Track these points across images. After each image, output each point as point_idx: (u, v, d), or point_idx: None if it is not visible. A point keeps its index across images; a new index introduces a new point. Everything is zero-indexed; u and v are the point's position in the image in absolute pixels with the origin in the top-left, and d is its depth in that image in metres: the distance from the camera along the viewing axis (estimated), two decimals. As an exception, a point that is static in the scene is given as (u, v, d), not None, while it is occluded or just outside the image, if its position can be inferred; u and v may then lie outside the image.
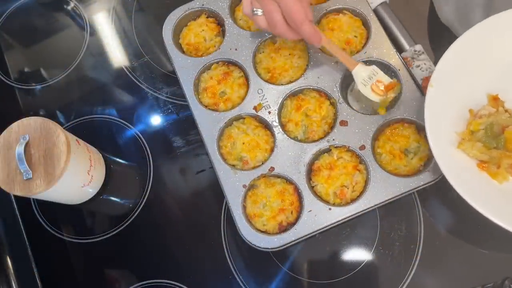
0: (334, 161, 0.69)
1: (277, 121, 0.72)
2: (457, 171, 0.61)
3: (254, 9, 0.65)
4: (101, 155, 0.79)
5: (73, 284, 0.74)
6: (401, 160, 0.68)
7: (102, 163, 0.78)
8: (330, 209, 0.66)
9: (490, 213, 0.57)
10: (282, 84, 0.74)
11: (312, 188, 0.69)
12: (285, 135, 0.71)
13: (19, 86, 0.88)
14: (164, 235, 0.75)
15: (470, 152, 0.64)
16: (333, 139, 0.70)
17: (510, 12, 0.66)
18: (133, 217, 0.77)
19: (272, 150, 0.71)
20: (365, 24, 0.76)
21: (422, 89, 0.71)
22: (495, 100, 0.67)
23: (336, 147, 0.70)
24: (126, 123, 0.83)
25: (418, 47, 0.77)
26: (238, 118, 0.74)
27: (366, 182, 0.67)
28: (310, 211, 0.66)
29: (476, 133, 0.64)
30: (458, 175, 0.60)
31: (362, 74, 0.69)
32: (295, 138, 0.71)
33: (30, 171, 0.63)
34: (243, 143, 0.71)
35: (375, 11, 0.76)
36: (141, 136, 0.82)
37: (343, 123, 0.71)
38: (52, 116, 0.84)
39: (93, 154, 0.74)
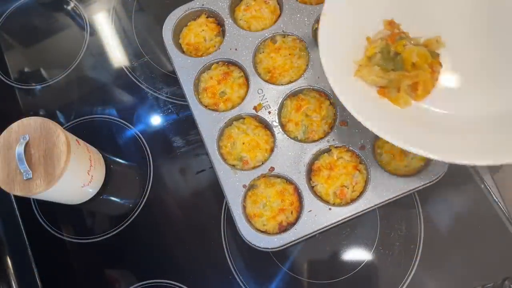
0: (334, 161, 0.69)
1: (277, 121, 0.72)
2: (355, 99, 0.59)
3: None
4: (101, 155, 0.79)
5: (73, 284, 0.74)
6: (401, 160, 0.68)
7: (102, 163, 0.78)
8: (330, 209, 0.66)
9: (396, 139, 0.56)
10: (282, 84, 0.74)
11: (312, 188, 0.69)
12: (285, 135, 0.71)
13: (19, 86, 0.88)
14: (164, 235, 0.75)
15: (368, 78, 0.62)
16: (333, 139, 0.70)
17: None
18: (133, 217, 0.77)
19: (272, 150, 0.71)
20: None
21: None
22: (390, 24, 0.65)
23: (336, 147, 0.70)
24: (126, 123, 0.83)
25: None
26: (238, 118, 0.74)
27: (366, 182, 0.67)
28: (310, 211, 0.66)
29: (373, 58, 0.62)
30: (358, 103, 0.58)
31: None
32: (295, 138, 0.71)
33: (30, 171, 0.63)
34: (243, 143, 0.71)
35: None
36: (141, 136, 0.82)
37: (343, 123, 0.71)
38: (52, 116, 0.84)
39: (93, 154, 0.74)
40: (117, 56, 0.89)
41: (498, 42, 0.64)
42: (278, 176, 0.70)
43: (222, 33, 0.80)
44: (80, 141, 0.72)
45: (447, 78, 0.63)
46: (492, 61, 0.64)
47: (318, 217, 0.66)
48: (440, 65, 0.63)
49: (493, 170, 0.72)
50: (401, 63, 0.61)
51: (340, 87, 0.59)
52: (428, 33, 0.65)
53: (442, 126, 0.60)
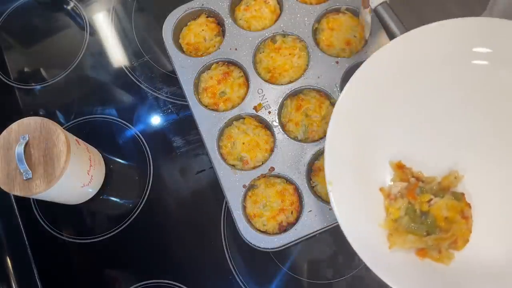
0: (334, 161, 0.69)
1: (277, 121, 0.72)
2: (399, 272, 0.55)
3: None
4: (101, 155, 0.79)
5: (73, 284, 0.74)
6: (401, 160, 0.68)
7: (102, 163, 0.78)
8: (330, 209, 0.66)
9: None
10: (282, 84, 0.74)
11: (312, 188, 0.69)
12: (285, 135, 0.71)
13: (19, 86, 0.88)
14: (164, 235, 0.75)
15: (405, 246, 0.57)
16: (333, 139, 0.70)
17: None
18: (133, 217, 0.76)
19: (272, 150, 0.71)
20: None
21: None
22: (400, 168, 0.61)
23: (336, 147, 0.70)
24: (126, 123, 0.83)
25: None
26: (238, 118, 0.74)
27: (366, 182, 0.67)
28: (310, 211, 0.66)
29: (400, 220, 0.58)
30: (402, 276, 0.54)
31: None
32: (295, 138, 0.71)
33: (30, 171, 0.63)
34: (243, 143, 0.71)
35: (375, 11, 0.76)
36: (141, 136, 0.82)
37: (343, 123, 0.71)
38: (52, 116, 0.84)
39: (93, 154, 0.74)
40: (117, 56, 0.89)
41: None
42: (278, 176, 0.70)
43: (222, 33, 0.80)
44: (80, 141, 0.72)
45: (479, 219, 0.59)
46: None
47: (318, 217, 0.66)
48: (469, 206, 0.59)
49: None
50: (433, 222, 0.58)
51: (382, 268, 0.55)
52: (441, 164, 0.61)
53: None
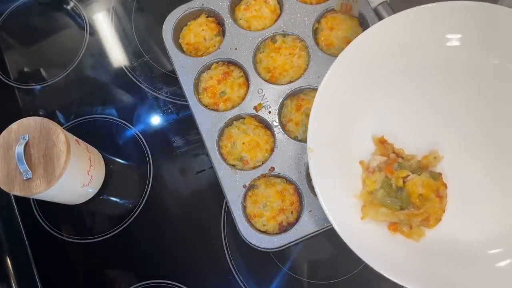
0: (334, 161, 0.69)
1: (277, 121, 0.72)
2: (369, 244, 0.57)
3: None
4: (101, 155, 0.79)
5: (73, 284, 0.74)
6: (401, 160, 0.68)
7: (102, 163, 0.78)
8: (330, 209, 0.66)
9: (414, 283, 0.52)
10: (282, 84, 0.74)
11: (312, 188, 0.69)
12: (285, 135, 0.71)
13: (19, 86, 0.88)
14: (164, 235, 0.75)
15: (377, 219, 0.59)
16: (333, 139, 0.70)
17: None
18: (133, 217, 0.76)
19: (272, 150, 0.71)
20: (365, 24, 0.76)
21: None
22: (382, 143, 0.63)
23: (336, 147, 0.70)
24: (126, 123, 0.83)
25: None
26: (238, 118, 0.74)
27: (367, 182, 0.67)
28: (311, 211, 0.66)
29: (376, 193, 0.59)
30: (372, 248, 0.56)
31: None
32: (295, 138, 0.71)
33: (30, 171, 0.63)
34: (243, 143, 0.71)
35: (375, 11, 0.76)
36: (141, 136, 0.81)
37: (343, 123, 0.71)
38: (52, 116, 0.84)
39: (93, 154, 0.74)
40: (117, 56, 0.89)
41: (499, 144, 0.62)
42: (278, 176, 0.70)
43: (222, 32, 0.80)
44: (80, 141, 0.72)
45: (454, 200, 0.60)
46: (495, 166, 0.61)
47: (319, 217, 0.66)
48: (445, 186, 0.60)
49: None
50: (407, 197, 0.59)
51: (349, 236, 0.56)
52: (422, 143, 0.63)
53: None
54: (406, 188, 0.59)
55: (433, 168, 0.62)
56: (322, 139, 0.60)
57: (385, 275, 0.53)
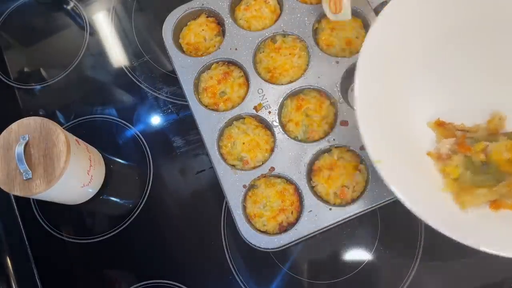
0: (334, 161, 0.69)
1: (277, 121, 0.72)
2: (478, 230, 0.52)
3: None
4: (101, 155, 0.79)
5: (73, 284, 0.74)
6: (401, 160, 0.68)
7: (102, 163, 0.78)
8: (330, 209, 0.66)
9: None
10: (282, 84, 0.74)
11: (312, 188, 0.69)
12: (285, 135, 0.71)
13: (19, 86, 0.88)
14: (164, 235, 0.75)
15: (478, 203, 0.53)
16: (334, 139, 0.70)
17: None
18: (133, 217, 0.76)
19: (272, 150, 0.71)
20: (365, 24, 0.76)
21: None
22: (441, 126, 0.58)
23: (336, 147, 0.70)
24: (126, 123, 0.83)
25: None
26: (238, 118, 0.74)
27: (367, 182, 0.67)
28: (311, 211, 0.66)
29: (462, 177, 0.55)
30: (485, 235, 0.51)
31: None
32: (295, 138, 0.71)
33: (30, 171, 0.63)
34: (243, 143, 0.71)
35: (375, 11, 0.76)
36: (141, 136, 0.81)
37: (344, 123, 0.71)
38: (52, 116, 0.84)
39: (93, 154, 0.74)
40: (117, 56, 0.89)
41: None
42: (278, 176, 0.70)
43: (222, 32, 0.80)
44: (80, 141, 0.72)
45: None
46: None
47: (319, 217, 0.66)
48: None
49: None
50: (497, 168, 0.53)
51: (459, 230, 0.50)
52: (478, 109, 0.57)
53: None
54: (491, 159, 0.54)
55: (503, 129, 0.57)
56: (381, 147, 0.54)
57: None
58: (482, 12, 0.58)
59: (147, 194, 0.78)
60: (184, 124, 0.81)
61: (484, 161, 0.54)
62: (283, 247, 0.66)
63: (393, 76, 0.57)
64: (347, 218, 0.66)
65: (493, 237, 0.50)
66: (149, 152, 0.80)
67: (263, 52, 0.77)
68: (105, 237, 0.76)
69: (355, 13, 0.76)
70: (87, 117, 0.84)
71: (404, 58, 0.58)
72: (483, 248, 0.49)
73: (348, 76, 0.72)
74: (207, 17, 0.81)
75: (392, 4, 0.56)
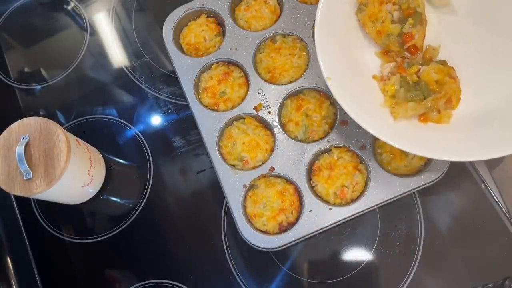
0: (334, 161, 0.69)
1: (277, 121, 0.72)
2: (407, 137, 0.61)
3: None
4: (101, 155, 0.79)
5: (73, 284, 0.74)
6: (401, 160, 0.68)
7: (102, 163, 0.78)
8: (330, 209, 0.66)
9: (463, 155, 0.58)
10: (282, 84, 0.74)
11: (312, 188, 0.69)
12: (285, 135, 0.71)
13: (19, 86, 0.88)
14: (164, 235, 0.75)
15: (407, 115, 0.63)
16: (333, 139, 0.70)
17: None
18: (133, 217, 0.76)
19: (272, 150, 0.71)
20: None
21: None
22: (385, 54, 0.68)
23: (336, 147, 0.70)
24: (126, 123, 0.83)
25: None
26: (238, 118, 0.74)
27: (366, 182, 0.67)
28: (310, 211, 0.66)
29: (397, 94, 0.64)
30: (410, 140, 0.60)
31: None
32: (295, 138, 0.71)
33: (30, 171, 0.63)
34: (243, 143, 0.71)
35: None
36: (141, 136, 0.82)
37: (344, 123, 0.71)
38: (52, 116, 0.84)
39: (93, 154, 0.74)
40: (117, 56, 0.89)
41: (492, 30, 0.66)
42: (278, 176, 0.70)
43: (222, 33, 0.80)
44: (80, 141, 0.72)
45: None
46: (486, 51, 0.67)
47: (318, 217, 0.66)
48: (453, 69, 0.65)
49: (493, 168, 0.72)
50: (426, 86, 0.63)
51: (392, 136, 0.60)
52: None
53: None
54: (422, 79, 0.64)
55: (436, 58, 0.67)
56: (334, 67, 0.64)
57: (433, 157, 0.59)
58: None
59: (147, 194, 0.78)
60: (184, 124, 0.81)
61: (416, 81, 0.64)
62: (283, 247, 0.66)
63: (351, 15, 0.69)
64: (347, 218, 0.66)
65: (418, 142, 0.60)
66: (149, 152, 0.80)
67: (263, 52, 0.77)
68: (105, 237, 0.76)
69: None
70: (88, 117, 0.84)
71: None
72: (408, 149, 0.58)
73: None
74: (207, 17, 0.81)
75: None
